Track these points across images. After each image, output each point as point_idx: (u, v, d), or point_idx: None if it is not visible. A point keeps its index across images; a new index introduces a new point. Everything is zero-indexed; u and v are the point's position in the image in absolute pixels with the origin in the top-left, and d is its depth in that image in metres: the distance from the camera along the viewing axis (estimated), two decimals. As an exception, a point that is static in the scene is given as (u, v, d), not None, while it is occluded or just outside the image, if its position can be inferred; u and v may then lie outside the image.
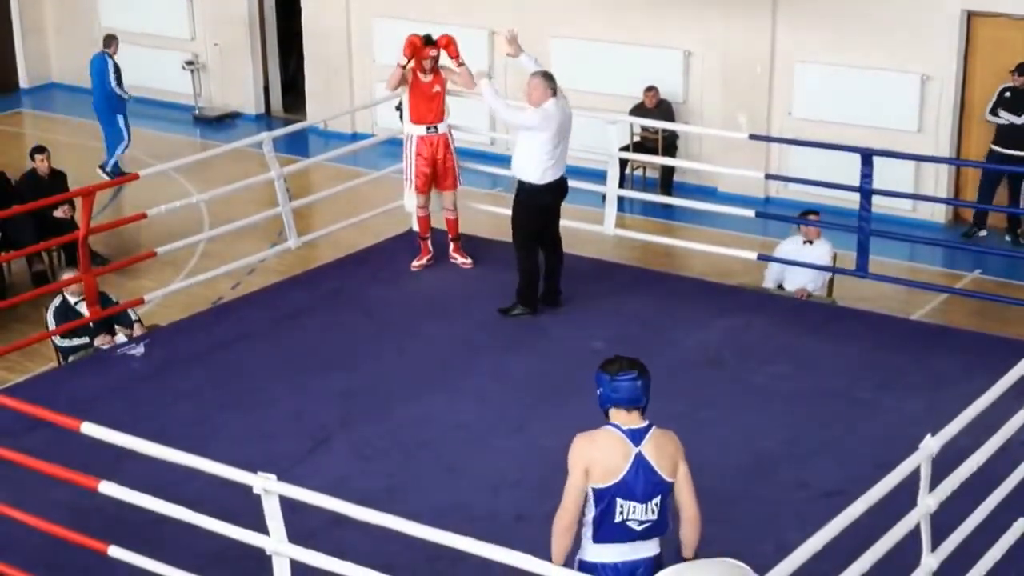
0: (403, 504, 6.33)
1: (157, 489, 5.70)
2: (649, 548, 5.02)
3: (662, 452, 4.94)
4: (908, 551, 5.33)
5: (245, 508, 5.43)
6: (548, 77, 8.73)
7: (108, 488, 5.63)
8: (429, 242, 9.95)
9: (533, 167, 8.78)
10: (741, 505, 6.77)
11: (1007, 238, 12.45)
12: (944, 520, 5.50)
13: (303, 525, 5.57)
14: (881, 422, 7.59)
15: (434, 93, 9.65)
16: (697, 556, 5.18)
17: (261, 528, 5.29)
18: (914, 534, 5.32)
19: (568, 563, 4.96)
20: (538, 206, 8.94)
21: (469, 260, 9.91)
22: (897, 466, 5.21)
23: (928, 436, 5.30)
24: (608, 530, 4.94)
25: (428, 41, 9.62)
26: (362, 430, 7.63)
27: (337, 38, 16.01)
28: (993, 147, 12.32)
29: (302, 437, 7.54)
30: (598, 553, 4.98)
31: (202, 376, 8.35)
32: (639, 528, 4.94)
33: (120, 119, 14.86)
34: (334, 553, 5.14)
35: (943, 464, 5.42)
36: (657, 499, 4.93)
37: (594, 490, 4.90)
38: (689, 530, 5.10)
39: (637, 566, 4.98)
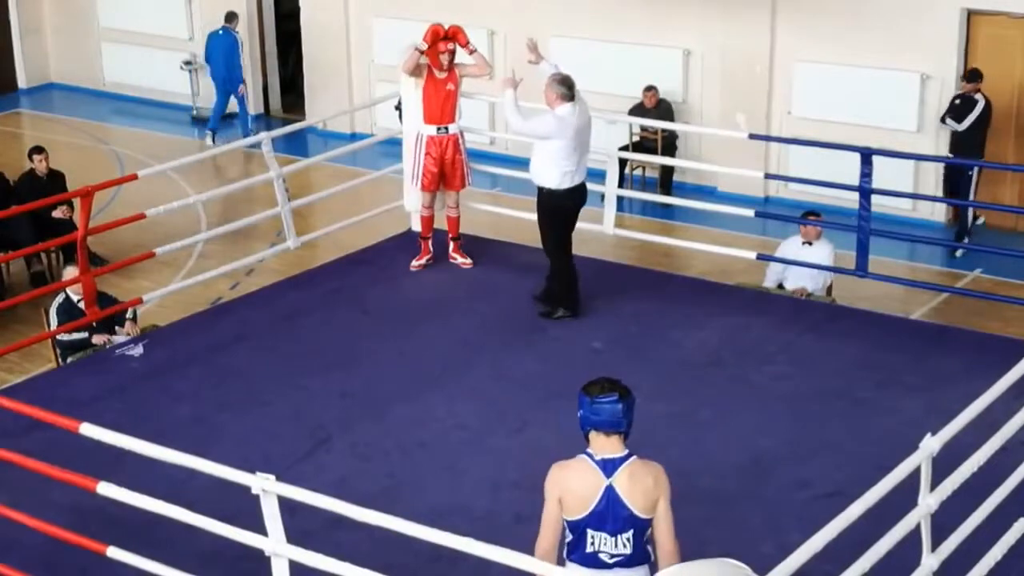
0: (402, 504, 6.32)
1: (156, 490, 5.69)
2: None
3: (636, 486, 4.84)
4: (909, 551, 5.32)
5: (244, 509, 5.42)
6: (562, 82, 8.63)
7: (107, 489, 5.62)
8: (430, 242, 9.92)
9: (551, 173, 8.73)
10: (741, 505, 6.77)
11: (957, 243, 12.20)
12: (945, 520, 5.49)
13: (302, 526, 5.56)
14: (881, 422, 7.58)
15: (448, 91, 9.60)
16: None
17: (260, 529, 5.28)
18: (915, 534, 5.31)
19: None
20: (561, 210, 8.88)
21: (469, 260, 9.89)
22: (897, 466, 5.20)
23: (928, 435, 5.29)
24: (582, 557, 4.92)
25: (445, 36, 9.58)
26: (361, 430, 7.62)
27: (336, 38, 15.99)
28: (950, 154, 12.39)
29: (301, 437, 7.53)
30: (580, 574, 4.95)
31: (201, 376, 8.34)
32: (611, 560, 4.89)
33: (241, 87, 16.17)
34: (333, 554, 5.12)
35: (943, 464, 5.40)
36: (629, 534, 4.85)
37: (567, 521, 4.90)
38: (668, 565, 4.90)
39: None
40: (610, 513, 4.81)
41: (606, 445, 4.85)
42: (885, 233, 10.64)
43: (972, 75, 12.17)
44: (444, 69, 9.57)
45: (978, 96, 12.11)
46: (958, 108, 12.22)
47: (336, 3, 15.88)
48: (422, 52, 9.49)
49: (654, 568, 4.95)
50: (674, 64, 13.82)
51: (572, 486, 4.84)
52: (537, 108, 8.92)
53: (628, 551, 4.88)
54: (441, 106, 9.59)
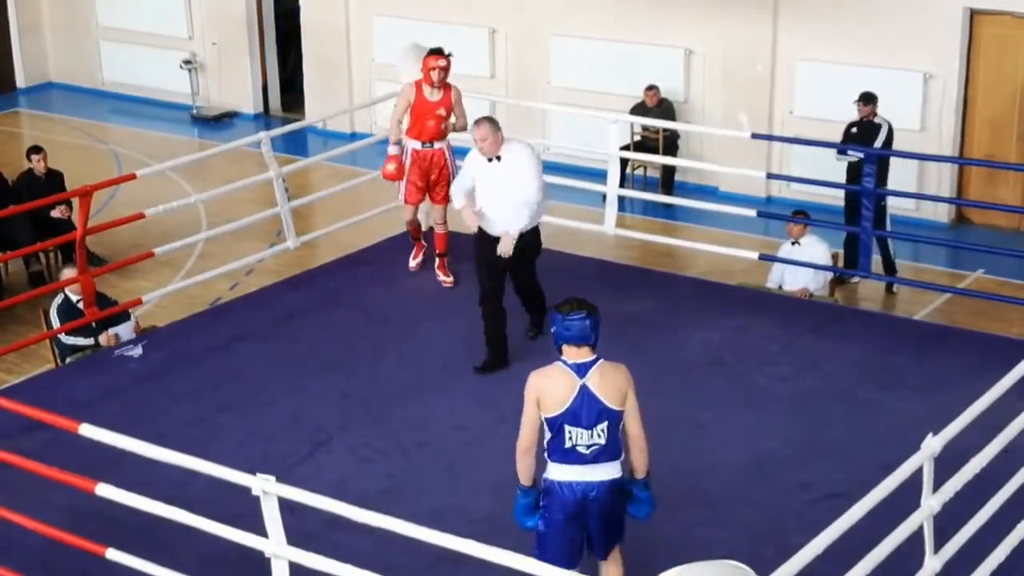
0: (402, 506, 6.30)
1: (155, 491, 5.67)
2: (604, 472, 5.45)
3: (607, 382, 5.40)
4: (911, 553, 5.31)
5: (244, 510, 5.41)
6: (495, 122, 8.14)
7: (106, 490, 5.60)
8: (422, 239, 9.79)
9: (534, 210, 8.24)
10: (742, 507, 6.75)
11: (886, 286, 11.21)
12: (947, 521, 5.47)
13: (302, 527, 5.55)
14: (883, 423, 7.56)
15: (437, 116, 9.18)
16: (650, 484, 5.59)
17: (260, 530, 5.26)
18: (917, 535, 5.29)
19: (536, 483, 5.56)
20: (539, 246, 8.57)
21: (451, 279, 9.55)
22: (899, 467, 5.18)
23: (931, 436, 5.28)
24: (560, 454, 5.43)
25: (437, 51, 9.16)
26: (361, 431, 7.60)
27: (336, 36, 15.97)
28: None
29: (301, 439, 7.51)
30: (557, 472, 5.46)
31: (200, 377, 8.31)
32: (587, 452, 5.41)
33: None
34: (333, 555, 5.11)
35: (946, 465, 5.39)
36: (603, 425, 5.39)
37: (546, 419, 5.42)
38: (636, 454, 5.53)
39: (591, 488, 5.44)
40: (584, 408, 5.37)
41: (578, 354, 5.44)
42: (888, 233, 10.64)
43: (868, 98, 11.15)
44: (435, 87, 9.14)
45: (879, 120, 11.12)
46: (857, 136, 11.10)
47: (336, 2, 15.85)
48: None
49: (624, 466, 5.54)
50: (675, 63, 13.79)
51: (548, 387, 5.41)
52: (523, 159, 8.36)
53: (603, 442, 5.41)
54: (424, 126, 9.22)
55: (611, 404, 5.39)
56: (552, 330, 5.48)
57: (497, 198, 8.16)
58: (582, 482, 5.43)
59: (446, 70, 9.15)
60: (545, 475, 5.52)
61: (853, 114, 11.43)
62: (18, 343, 9.13)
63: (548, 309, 8.42)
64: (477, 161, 8.21)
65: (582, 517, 5.49)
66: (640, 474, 5.57)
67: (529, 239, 8.32)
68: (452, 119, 9.29)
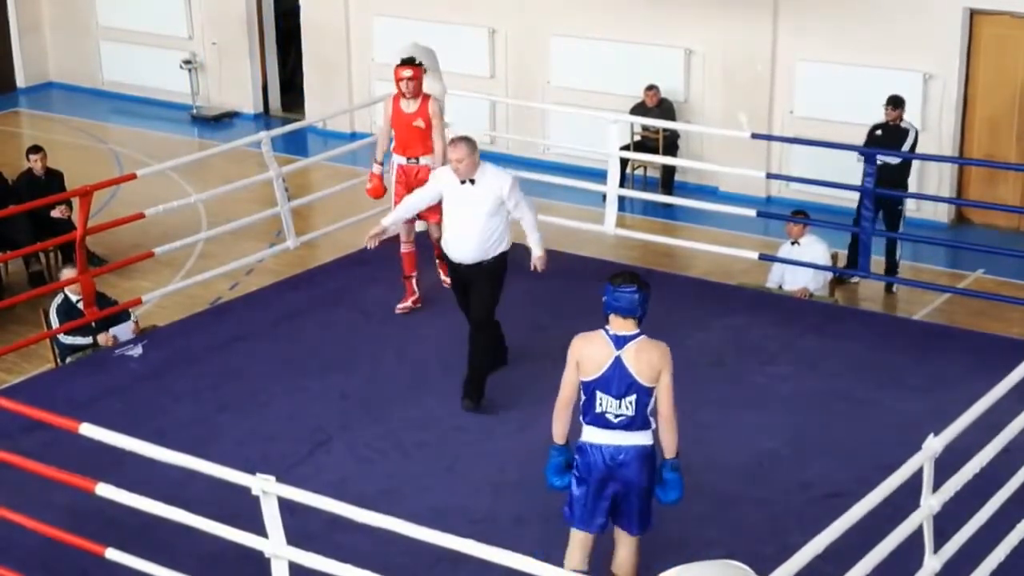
0: (402, 506, 6.30)
1: (155, 491, 5.67)
2: (635, 439, 5.64)
3: (641, 358, 5.58)
4: (911, 552, 5.31)
5: (244, 510, 5.40)
6: (473, 142, 7.69)
7: (105, 490, 5.60)
8: (414, 282, 9.31)
9: (507, 233, 7.88)
10: (742, 507, 6.76)
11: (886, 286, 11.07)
12: (947, 521, 5.47)
13: (302, 527, 5.55)
14: (883, 423, 7.56)
15: (414, 128, 8.93)
16: (677, 469, 5.72)
17: (260, 530, 5.26)
18: (917, 535, 5.29)
19: (568, 443, 5.79)
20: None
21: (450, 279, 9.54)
22: (900, 467, 5.18)
23: (931, 436, 5.28)
24: (592, 418, 5.67)
25: (406, 62, 8.92)
26: (361, 431, 7.60)
27: (336, 36, 15.97)
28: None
29: (301, 439, 7.51)
30: (589, 435, 5.69)
31: (200, 377, 8.32)
32: (615, 420, 5.61)
33: None
34: (333, 555, 5.11)
35: (946, 465, 5.39)
36: (632, 398, 5.58)
37: (582, 382, 5.66)
38: (665, 431, 5.68)
39: (620, 451, 5.64)
40: (615, 378, 5.57)
41: (622, 325, 5.63)
42: (887, 233, 10.64)
43: (896, 101, 10.94)
44: (411, 98, 8.91)
45: (906, 124, 10.93)
46: (882, 139, 10.87)
47: (336, 2, 15.85)
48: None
49: (656, 436, 5.70)
50: (676, 63, 13.79)
51: (588, 353, 5.64)
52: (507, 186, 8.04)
53: (631, 413, 5.60)
54: (406, 139, 9.01)
55: (641, 379, 5.56)
56: (603, 299, 5.65)
57: (462, 223, 7.75)
58: (611, 445, 5.62)
59: (415, 79, 8.88)
60: (580, 439, 5.71)
61: (853, 114, 11.42)
62: (18, 343, 9.14)
63: (485, 381, 7.89)
64: (449, 180, 7.76)
65: (612, 482, 5.66)
66: (669, 453, 5.70)
67: (489, 264, 7.80)
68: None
